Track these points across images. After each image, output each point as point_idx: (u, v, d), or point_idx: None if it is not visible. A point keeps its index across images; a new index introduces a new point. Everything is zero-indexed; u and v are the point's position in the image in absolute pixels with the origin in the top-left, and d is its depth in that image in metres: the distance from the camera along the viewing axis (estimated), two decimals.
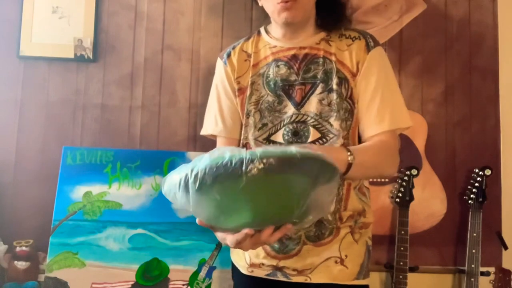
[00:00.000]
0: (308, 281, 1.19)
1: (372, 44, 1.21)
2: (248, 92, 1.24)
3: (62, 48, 1.80)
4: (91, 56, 1.80)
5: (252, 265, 1.24)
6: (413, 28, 1.87)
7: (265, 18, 1.32)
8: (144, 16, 1.84)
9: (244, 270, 1.27)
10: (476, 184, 1.75)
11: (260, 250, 1.21)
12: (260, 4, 1.27)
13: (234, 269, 1.34)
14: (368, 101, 1.18)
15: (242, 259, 1.27)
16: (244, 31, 1.82)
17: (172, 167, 1.67)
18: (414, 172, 1.75)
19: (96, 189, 1.64)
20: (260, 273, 1.23)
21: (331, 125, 1.17)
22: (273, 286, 1.22)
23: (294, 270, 1.19)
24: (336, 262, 1.19)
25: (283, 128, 1.20)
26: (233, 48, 1.32)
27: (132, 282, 1.57)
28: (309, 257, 1.18)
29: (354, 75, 1.19)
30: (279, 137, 1.20)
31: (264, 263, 1.21)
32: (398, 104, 1.21)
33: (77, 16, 1.81)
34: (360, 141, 1.22)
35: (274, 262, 1.20)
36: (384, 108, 1.17)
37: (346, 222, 1.19)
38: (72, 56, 1.80)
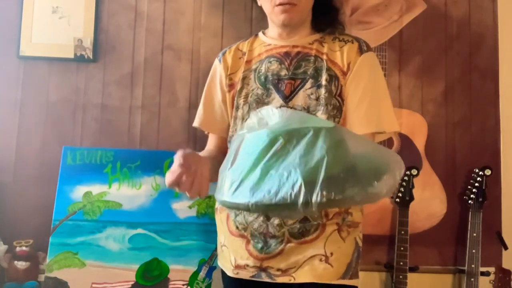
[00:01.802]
0: (292, 281, 1.18)
1: (365, 48, 1.25)
2: (238, 87, 1.28)
3: (62, 48, 1.80)
4: (91, 56, 1.80)
5: (237, 266, 1.24)
6: (413, 28, 1.87)
7: (263, 18, 1.35)
8: (144, 16, 1.84)
9: (230, 273, 1.26)
10: (476, 184, 1.75)
11: (243, 251, 1.22)
12: (259, 3, 1.31)
13: (222, 273, 1.34)
14: (357, 102, 1.21)
15: (228, 262, 1.27)
16: (244, 31, 1.82)
17: None
18: (414, 172, 1.75)
19: (96, 189, 1.64)
20: (245, 274, 1.22)
21: None
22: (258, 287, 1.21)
23: (278, 270, 1.19)
24: (320, 260, 1.17)
25: None
26: (229, 48, 1.37)
27: (132, 282, 1.57)
28: (292, 255, 1.18)
29: (344, 74, 1.22)
30: None
31: (249, 264, 1.21)
32: (386, 108, 1.24)
33: (77, 16, 1.81)
34: None
35: (258, 263, 1.20)
36: (372, 111, 1.20)
37: (332, 219, 1.19)
38: (72, 56, 1.80)
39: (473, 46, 1.88)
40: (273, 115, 0.93)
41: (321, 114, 1.18)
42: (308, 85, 1.22)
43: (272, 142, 0.85)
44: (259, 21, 1.81)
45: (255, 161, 0.85)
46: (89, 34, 1.81)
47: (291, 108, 1.21)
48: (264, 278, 1.20)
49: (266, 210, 0.84)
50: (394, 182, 0.86)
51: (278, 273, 1.19)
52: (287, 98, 1.22)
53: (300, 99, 1.21)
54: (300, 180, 0.78)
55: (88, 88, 1.81)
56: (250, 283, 1.22)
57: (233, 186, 0.86)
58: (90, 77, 1.82)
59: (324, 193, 0.78)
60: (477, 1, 1.89)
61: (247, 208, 0.85)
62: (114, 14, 1.84)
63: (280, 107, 1.20)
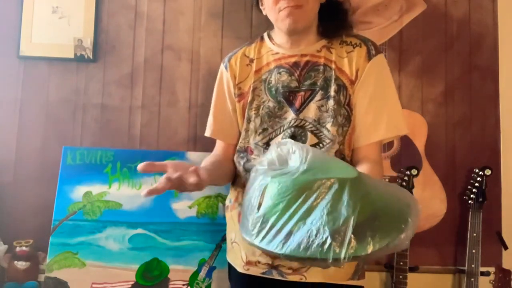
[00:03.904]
0: (303, 280, 1.19)
1: (373, 52, 1.23)
2: (249, 98, 1.27)
3: (62, 48, 1.80)
4: (91, 56, 1.80)
5: (248, 263, 1.24)
6: (413, 28, 1.87)
7: (268, 26, 1.32)
8: (144, 16, 1.84)
9: (240, 269, 1.27)
10: (476, 184, 1.75)
11: (256, 248, 1.22)
12: (264, 13, 1.29)
13: (231, 269, 1.35)
14: (364, 110, 1.21)
15: (238, 258, 1.28)
16: (244, 31, 1.82)
17: None
18: (414, 172, 1.75)
19: (96, 189, 1.64)
20: (256, 271, 1.23)
21: (328, 130, 1.19)
22: (268, 285, 1.22)
23: (289, 268, 1.20)
24: None
25: (282, 133, 1.22)
26: (235, 53, 1.34)
27: (132, 282, 1.57)
28: None
29: (352, 83, 1.21)
30: (278, 141, 1.21)
31: (260, 261, 1.22)
32: (394, 112, 1.23)
33: (77, 16, 1.81)
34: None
35: (269, 260, 1.21)
36: (379, 118, 1.20)
37: None
38: (72, 56, 1.80)
39: (473, 46, 1.89)
40: (293, 153, 0.97)
41: (330, 126, 1.19)
42: (318, 96, 1.21)
43: (298, 193, 0.90)
44: (260, 24, 1.81)
45: (282, 210, 0.90)
46: (89, 34, 1.81)
47: (301, 120, 1.21)
48: (275, 276, 1.21)
49: (296, 260, 0.90)
50: (415, 226, 0.90)
51: (289, 271, 1.20)
52: (298, 111, 1.22)
53: (311, 111, 1.21)
54: (329, 240, 0.84)
55: (88, 88, 1.81)
56: (259, 280, 1.23)
57: (263, 232, 0.92)
58: (90, 77, 1.82)
59: (352, 251, 0.84)
60: (477, 1, 1.90)
61: (278, 256, 0.91)
62: (114, 14, 1.84)
63: (291, 120, 1.21)
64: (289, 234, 0.87)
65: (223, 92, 1.34)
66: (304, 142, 1.20)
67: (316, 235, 0.85)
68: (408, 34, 1.87)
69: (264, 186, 0.95)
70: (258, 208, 0.94)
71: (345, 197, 0.87)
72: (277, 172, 0.95)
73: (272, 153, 1.00)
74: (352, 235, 0.84)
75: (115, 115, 1.81)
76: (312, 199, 0.88)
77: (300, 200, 0.89)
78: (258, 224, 0.92)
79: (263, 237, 0.91)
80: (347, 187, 0.88)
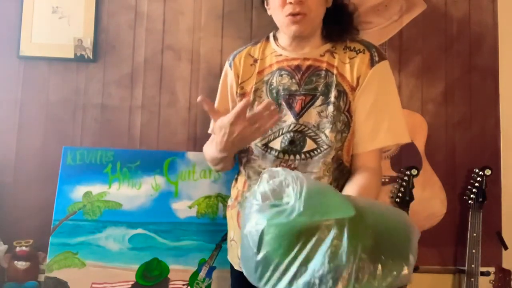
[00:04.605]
0: None
1: (376, 58, 1.21)
2: (251, 99, 1.27)
3: (62, 48, 1.80)
4: (91, 56, 1.80)
5: None
6: (413, 28, 1.87)
7: (272, 27, 1.32)
8: (144, 16, 1.84)
9: (237, 266, 1.28)
10: (476, 184, 1.75)
11: None
12: (268, 13, 1.29)
13: (231, 267, 1.36)
14: (364, 117, 1.20)
15: (236, 256, 1.28)
16: (244, 31, 1.82)
17: (172, 167, 1.67)
18: (414, 172, 1.75)
19: (96, 189, 1.64)
20: None
21: (326, 136, 1.19)
22: None
23: None
24: None
25: (281, 136, 1.22)
26: (240, 52, 1.34)
27: (132, 282, 1.57)
28: None
29: (353, 89, 1.21)
30: (277, 144, 1.22)
31: None
32: (395, 120, 1.22)
33: (77, 16, 1.81)
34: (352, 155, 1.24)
35: None
36: (379, 126, 1.19)
37: None
38: (72, 56, 1.80)
39: (473, 46, 1.89)
40: (286, 187, 0.94)
41: (329, 132, 1.18)
42: (318, 102, 1.21)
43: (297, 238, 0.88)
44: (260, 25, 1.81)
45: (282, 255, 0.88)
46: (89, 34, 1.81)
47: (301, 125, 1.21)
48: None
49: None
50: (415, 260, 0.93)
51: None
52: (298, 115, 1.21)
53: (310, 116, 1.21)
54: None
55: (88, 88, 1.81)
56: None
57: (265, 276, 0.90)
58: (90, 77, 1.82)
59: None
60: (477, 1, 1.90)
61: None
62: (114, 14, 1.84)
63: (291, 124, 1.21)
64: (292, 281, 0.86)
65: (226, 92, 1.34)
66: (302, 147, 1.20)
67: (319, 285, 0.84)
68: (408, 34, 1.87)
69: (261, 231, 0.93)
70: (258, 250, 0.92)
71: (345, 243, 0.85)
72: (273, 211, 0.92)
73: (265, 185, 0.97)
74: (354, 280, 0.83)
75: (115, 115, 1.81)
76: (311, 244, 0.86)
77: (299, 245, 0.87)
78: (260, 269, 0.91)
79: (266, 282, 0.90)
80: (346, 230, 0.86)
